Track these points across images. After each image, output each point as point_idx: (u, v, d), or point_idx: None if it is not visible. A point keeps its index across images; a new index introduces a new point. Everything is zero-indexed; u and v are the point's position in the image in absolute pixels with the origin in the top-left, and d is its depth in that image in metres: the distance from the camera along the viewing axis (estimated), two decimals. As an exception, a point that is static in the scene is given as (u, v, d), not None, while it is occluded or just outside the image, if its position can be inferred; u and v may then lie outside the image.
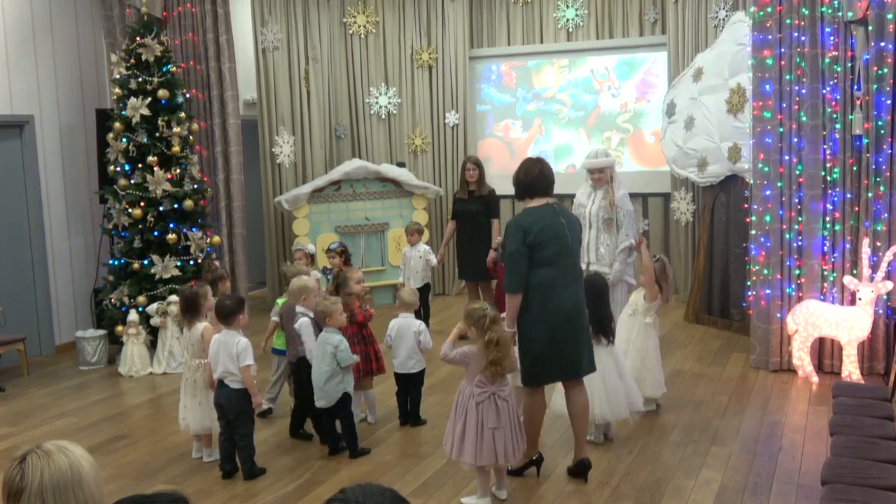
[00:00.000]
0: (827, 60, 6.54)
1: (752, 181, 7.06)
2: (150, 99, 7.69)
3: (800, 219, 6.78)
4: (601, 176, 6.50)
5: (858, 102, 6.40)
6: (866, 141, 6.43)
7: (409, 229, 8.47)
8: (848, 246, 6.61)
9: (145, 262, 7.70)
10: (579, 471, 4.84)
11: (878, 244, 6.46)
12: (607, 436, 5.49)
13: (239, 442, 5.07)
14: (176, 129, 7.76)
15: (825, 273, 6.72)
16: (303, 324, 5.45)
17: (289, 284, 5.80)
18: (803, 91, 6.64)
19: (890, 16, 6.23)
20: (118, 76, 7.87)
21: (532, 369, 4.73)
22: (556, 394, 5.25)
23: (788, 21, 6.64)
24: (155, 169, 7.65)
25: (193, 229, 7.86)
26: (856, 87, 6.42)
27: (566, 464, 5.00)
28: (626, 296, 6.25)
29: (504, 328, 4.53)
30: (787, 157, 6.77)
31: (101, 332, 7.90)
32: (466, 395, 4.46)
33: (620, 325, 5.90)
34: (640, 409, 5.55)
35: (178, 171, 7.82)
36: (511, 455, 4.50)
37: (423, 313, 7.70)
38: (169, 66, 7.88)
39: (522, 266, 4.63)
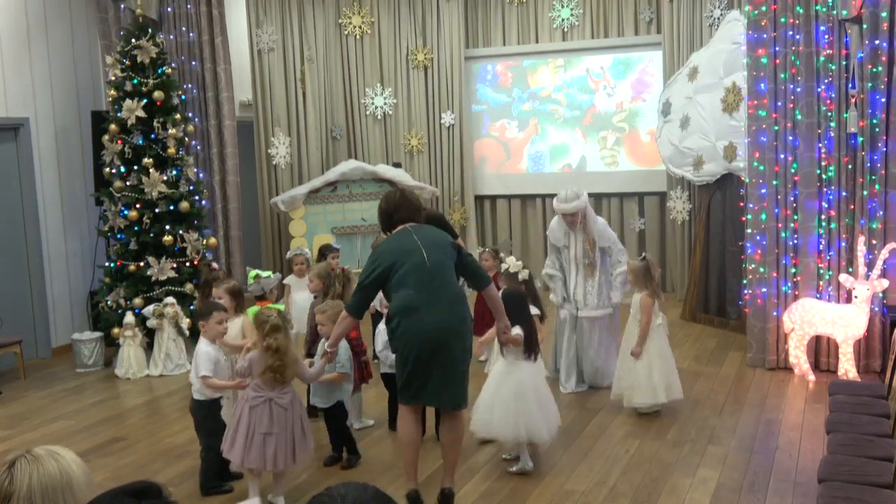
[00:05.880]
0: (822, 59, 6.55)
1: (747, 180, 7.06)
2: (145, 101, 7.69)
3: (795, 217, 6.78)
4: (573, 219, 6.34)
5: (853, 100, 6.41)
6: (861, 139, 6.44)
7: None
8: (843, 244, 6.61)
9: (141, 264, 7.69)
10: (441, 501, 4.47)
11: (874, 242, 6.47)
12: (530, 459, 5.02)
13: (201, 454, 4.89)
14: (171, 131, 7.76)
15: (821, 271, 6.73)
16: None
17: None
18: (798, 89, 6.65)
19: (884, 14, 6.24)
20: (113, 78, 7.86)
21: (400, 388, 4.47)
22: (474, 414, 5.02)
23: (783, 20, 6.65)
24: (151, 171, 7.65)
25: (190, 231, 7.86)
26: (850, 86, 6.43)
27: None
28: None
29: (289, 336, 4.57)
30: (782, 156, 6.78)
31: (98, 334, 7.89)
32: (242, 399, 4.55)
33: (628, 333, 5.92)
34: (543, 438, 4.99)
35: (174, 172, 7.82)
36: (281, 462, 4.46)
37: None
38: (164, 68, 7.87)
39: (366, 294, 4.51)
